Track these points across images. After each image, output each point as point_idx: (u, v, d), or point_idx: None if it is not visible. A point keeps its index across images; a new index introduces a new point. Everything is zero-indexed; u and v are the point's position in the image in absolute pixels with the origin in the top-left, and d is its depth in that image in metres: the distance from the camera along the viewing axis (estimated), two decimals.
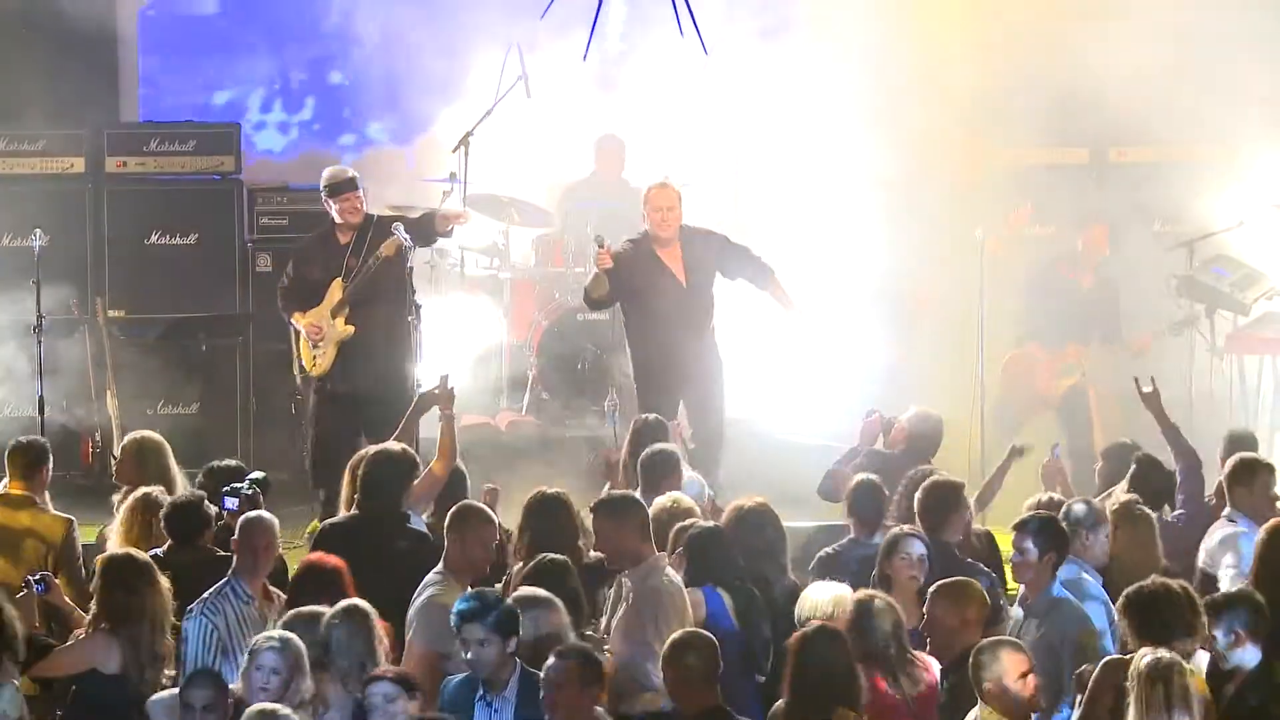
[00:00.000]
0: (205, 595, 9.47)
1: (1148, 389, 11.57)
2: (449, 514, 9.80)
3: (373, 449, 10.75)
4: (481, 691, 8.69)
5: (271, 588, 9.66)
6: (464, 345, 15.26)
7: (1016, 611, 9.49)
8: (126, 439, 11.81)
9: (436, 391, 11.44)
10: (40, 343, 13.88)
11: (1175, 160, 15.87)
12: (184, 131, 15.88)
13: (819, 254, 15.93)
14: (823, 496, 12.05)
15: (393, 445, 10.75)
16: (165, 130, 15.94)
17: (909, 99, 15.86)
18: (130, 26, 17.26)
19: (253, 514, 9.87)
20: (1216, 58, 15.11)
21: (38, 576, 9.54)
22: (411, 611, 9.44)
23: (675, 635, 8.72)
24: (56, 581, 9.50)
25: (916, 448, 11.94)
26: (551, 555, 9.66)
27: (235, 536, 9.69)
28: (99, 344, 14.66)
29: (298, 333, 13.55)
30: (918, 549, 9.86)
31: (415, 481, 10.49)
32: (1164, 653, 8.12)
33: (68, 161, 15.60)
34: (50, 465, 11.20)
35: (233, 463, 11.46)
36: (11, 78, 15.43)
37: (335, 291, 13.31)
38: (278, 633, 8.70)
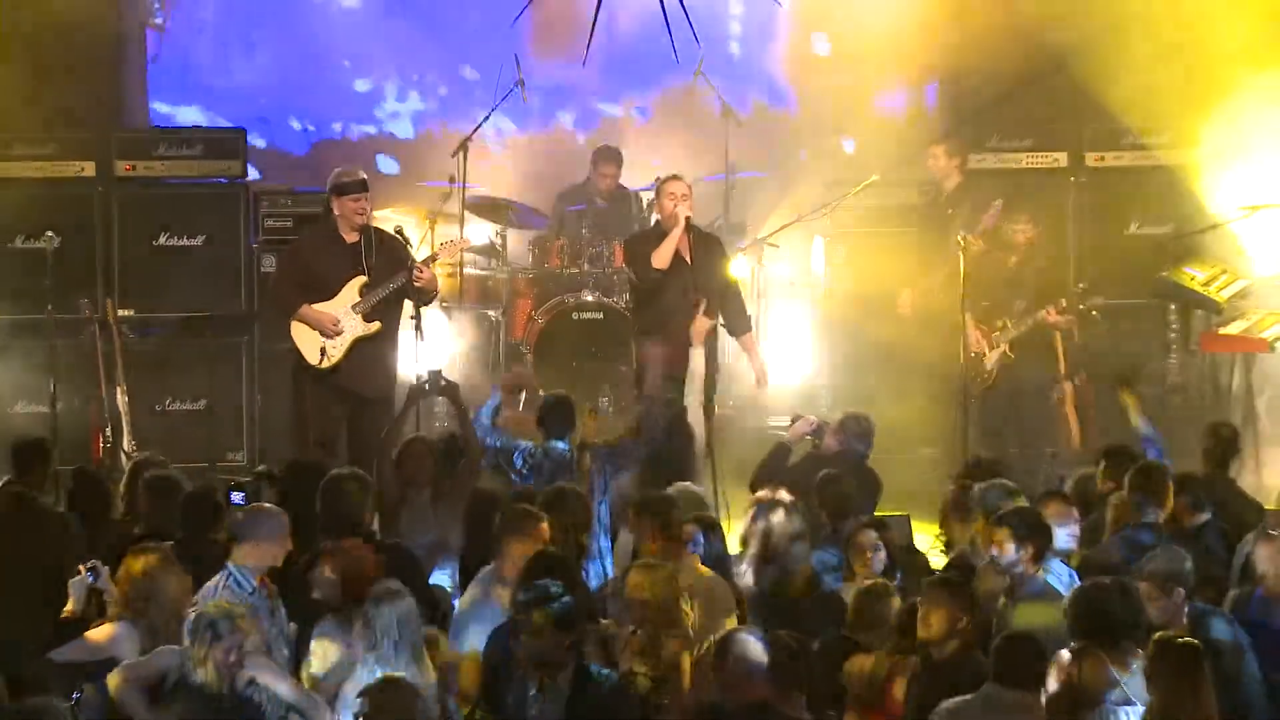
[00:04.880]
0: (207, 587, 9.38)
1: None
2: (497, 524, 9.94)
3: (331, 474, 10.57)
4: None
5: (265, 578, 9.54)
6: (461, 344, 15.57)
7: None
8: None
9: (426, 386, 11.68)
10: (53, 341, 14.09)
11: (1151, 164, 15.95)
12: (192, 136, 15.93)
13: (804, 253, 16.24)
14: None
15: (344, 470, 10.70)
16: (173, 135, 15.99)
17: (889, 101, 16.08)
18: (137, 31, 17.39)
19: (257, 504, 9.95)
20: (1196, 62, 15.18)
21: (90, 564, 9.54)
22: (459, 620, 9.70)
23: (724, 632, 8.85)
24: (105, 569, 9.50)
25: (852, 448, 12.24)
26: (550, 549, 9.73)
27: (240, 526, 9.60)
28: (109, 342, 14.66)
29: (300, 323, 13.27)
30: (870, 538, 10.35)
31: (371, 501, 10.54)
32: (1174, 635, 8.32)
33: (78, 165, 15.65)
34: (52, 462, 11.37)
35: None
36: (23, 83, 15.42)
37: (353, 289, 13.19)
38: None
